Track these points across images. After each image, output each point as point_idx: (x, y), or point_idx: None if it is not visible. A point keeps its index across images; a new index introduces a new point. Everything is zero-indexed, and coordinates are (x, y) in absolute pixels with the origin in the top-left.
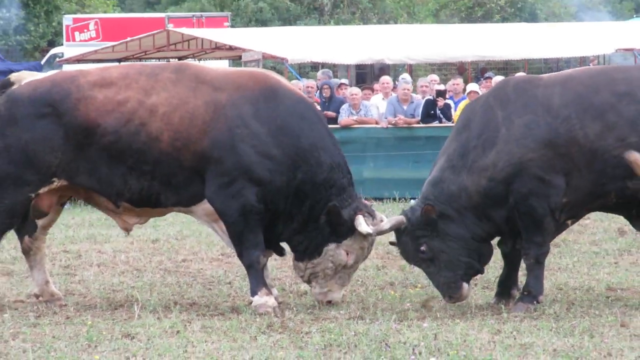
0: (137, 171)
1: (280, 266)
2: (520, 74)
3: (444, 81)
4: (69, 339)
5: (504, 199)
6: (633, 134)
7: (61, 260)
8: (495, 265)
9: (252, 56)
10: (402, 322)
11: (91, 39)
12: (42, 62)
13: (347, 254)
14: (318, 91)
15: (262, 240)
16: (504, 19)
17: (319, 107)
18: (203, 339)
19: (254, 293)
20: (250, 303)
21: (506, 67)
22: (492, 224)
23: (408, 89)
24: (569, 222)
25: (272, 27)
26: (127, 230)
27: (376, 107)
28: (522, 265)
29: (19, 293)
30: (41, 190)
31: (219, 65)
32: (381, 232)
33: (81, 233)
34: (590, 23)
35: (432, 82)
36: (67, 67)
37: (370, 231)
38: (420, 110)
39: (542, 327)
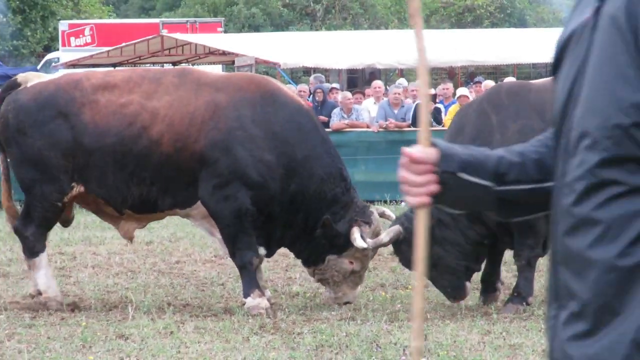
0: (138, 176)
1: (272, 267)
2: (510, 78)
3: (433, 85)
4: (64, 340)
5: None
6: None
7: (56, 262)
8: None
9: (245, 61)
10: (393, 322)
11: (86, 44)
12: (38, 67)
13: (351, 262)
14: (311, 95)
15: (255, 241)
16: (494, 25)
17: None
18: (196, 339)
19: (246, 294)
20: (243, 304)
21: (495, 72)
22: (485, 227)
23: (399, 93)
24: None
25: (265, 32)
26: (130, 238)
27: (367, 111)
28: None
29: (14, 294)
30: (66, 199)
31: (213, 70)
32: (380, 246)
33: (76, 235)
34: None
35: None
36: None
37: (366, 245)
38: (411, 114)
39: (531, 328)
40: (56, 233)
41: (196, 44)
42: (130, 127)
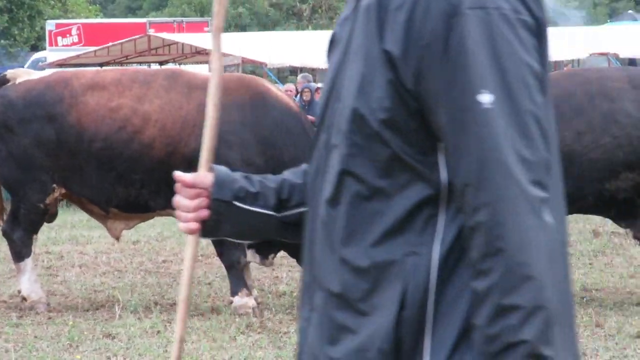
0: (127, 179)
1: (259, 267)
2: None
3: None
4: (51, 339)
5: None
6: (606, 135)
7: (43, 261)
8: None
9: (232, 61)
10: None
11: (73, 43)
12: (25, 66)
13: None
14: (298, 95)
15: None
16: None
17: None
18: None
19: (234, 293)
20: (231, 303)
21: None
22: None
23: None
24: None
25: (251, 32)
26: (117, 237)
27: None
28: None
29: (1, 293)
30: (48, 200)
31: (199, 70)
32: None
33: (63, 234)
34: (564, 28)
35: None
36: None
37: None
38: None
39: None
40: (43, 232)
41: (183, 44)
42: (120, 131)
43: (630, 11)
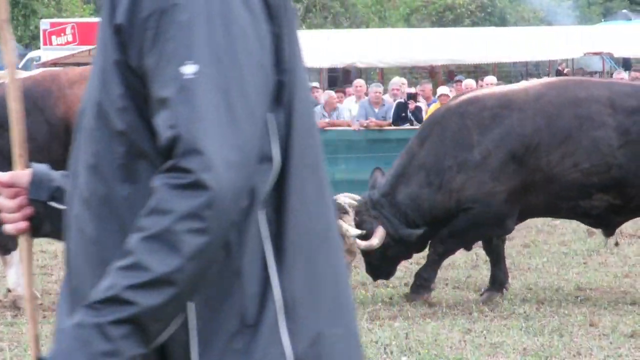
0: None
1: None
2: (490, 77)
3: (414, 84)
4: (46, 338)
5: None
6: (586, 161)
7: (38, 260)
8: (466, 265)
9: None
10: (374, 321)
11: (68, 42)
12: (20, 65)
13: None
14: None
15: None
16: (474, 23)
17: None
18: None
19: None
20: None
21: (476, 71)
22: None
23: (379, 92)
24: None
25: None
26: None
27: (348, 109)
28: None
29: None
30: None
31: None
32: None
33: None
34: (559, 27)
35: (402, 86)
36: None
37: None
38: (391, 112)
39: (512, 326)
40: None
41: None
42: None
43: (624, 10)
